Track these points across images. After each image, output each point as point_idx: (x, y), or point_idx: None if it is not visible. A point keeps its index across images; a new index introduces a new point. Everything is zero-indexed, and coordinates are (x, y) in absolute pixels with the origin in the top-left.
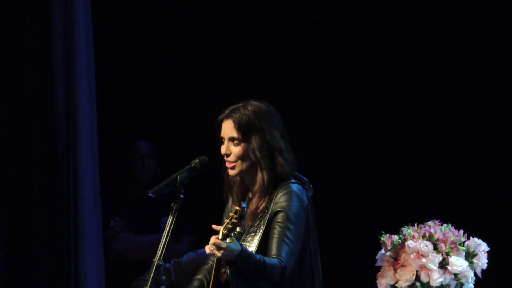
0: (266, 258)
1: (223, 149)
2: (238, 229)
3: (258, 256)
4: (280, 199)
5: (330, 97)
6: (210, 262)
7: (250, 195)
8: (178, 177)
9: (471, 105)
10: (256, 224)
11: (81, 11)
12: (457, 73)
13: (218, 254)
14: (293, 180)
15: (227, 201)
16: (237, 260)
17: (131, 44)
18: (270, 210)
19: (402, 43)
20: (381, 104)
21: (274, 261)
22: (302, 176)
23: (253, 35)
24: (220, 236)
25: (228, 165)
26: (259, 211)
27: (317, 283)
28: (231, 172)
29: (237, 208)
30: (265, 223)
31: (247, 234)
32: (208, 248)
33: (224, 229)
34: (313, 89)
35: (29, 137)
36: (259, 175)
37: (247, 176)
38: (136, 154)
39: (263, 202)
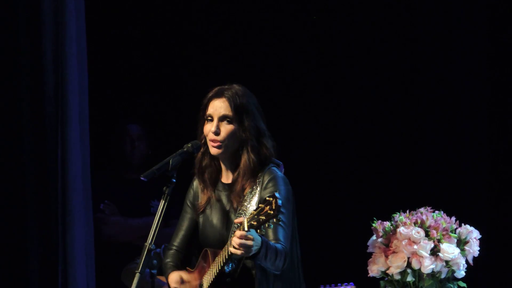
0: (277, 245)
1: (212, 127)
2: (275, 220)
3: (271, 244)
4: (268, 184)
5: (323, 86)
6: (173, 248)
7: (224, 178)
8: (171, 161)
9: (464, 92)
10: (243, 208)
11: None
12: (448, 63)
13: (244, 249)
14: (272, 165)
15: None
16: (260, 253)
17: (122, 29)
18: (257, 196)
19: (397, 39)
20: (374, 93)
21: (279, 246)
22: (274, 159)
23: (246, 25)
24: (246, 227)
25: (214, 144)
26: (244, 193)
27: (300, 264)
28: (217, 151)
29: (270, 198)
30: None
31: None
32: (235, 244)
33: (251, 220)
34: (305, 78)
35: (18, 119)
36: (246, 156)
37: (228, 157)
38: (126, 137)
39: (247, 184)
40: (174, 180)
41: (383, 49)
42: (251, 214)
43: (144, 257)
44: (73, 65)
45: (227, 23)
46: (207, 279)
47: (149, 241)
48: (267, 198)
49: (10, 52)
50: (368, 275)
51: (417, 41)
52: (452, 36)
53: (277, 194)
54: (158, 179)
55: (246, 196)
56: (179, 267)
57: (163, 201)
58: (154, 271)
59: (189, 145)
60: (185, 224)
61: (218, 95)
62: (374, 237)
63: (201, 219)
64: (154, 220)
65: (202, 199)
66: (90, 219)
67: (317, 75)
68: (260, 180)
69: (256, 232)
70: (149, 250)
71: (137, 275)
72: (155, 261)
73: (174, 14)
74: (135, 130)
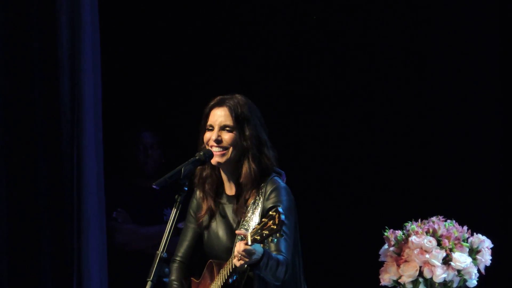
0: (278, 256)
1: (213, 135)
2: (278, 235)
3: (273, 255)
4: (270, 195)
5: (334, 89)
6: (178, 259)
7: (227, 190)
8: (183, 169)
9: (475, 101)
10: (246, 219)
11: None
12: (461, 67)
13: (246, 260)
14: (274, 174)
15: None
16: (260, 262)
17: (137, 35)
18: (260, 206)
19: (407, 38)
20: (385, 99)
21: (280, 257)
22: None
23: (254, 31)
24: (250, 241)
25: (218, 152)
26: (247, 204)
27: (303, 275)
28: (220, 160)
29: (273, 213)
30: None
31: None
32: (237, 257)
33: (255, 234)
34: (317, 82)
35: (34, 126)
36: (247, 165)
37: (229, 167)
38: (139, 145)
39: (251, 195)
40: (186, 189)
41: (396, 54)
42: (254, 228)
43: (156, 265)
44: (88, 71)
45: (238, 34)
46: None
47: (161, 249)
48: (270, 213)
49: (25, 58)
50: (380, 284)
51: (428, 42)
52: (463, 36)
53: (280, 209)
54: (171, 187)
55: (249, 207)
56: (184, 284)
57: (175, 209)
58: (166, 280)
59: (201, 153)
60: (189, 234)
61: (219, 104)
62: (386, 246)
63: (205, 230)
64: (166, 228)
65: (202, 209)
66: (104, 225)
67: (327, 78)
68: (262, 190)
69: (260, 245)
70: (161, 259)
71: (149, 283)
72: (166, 269)
73: (192, 21)
74: (148, 138)
